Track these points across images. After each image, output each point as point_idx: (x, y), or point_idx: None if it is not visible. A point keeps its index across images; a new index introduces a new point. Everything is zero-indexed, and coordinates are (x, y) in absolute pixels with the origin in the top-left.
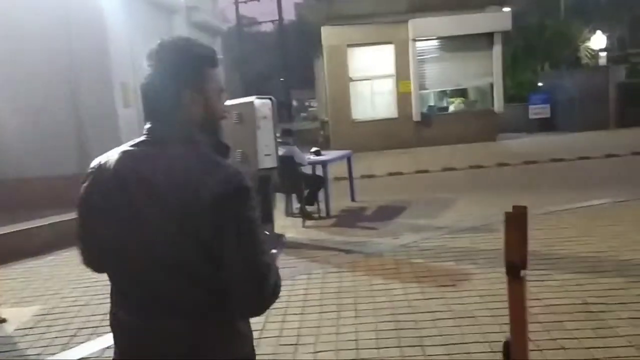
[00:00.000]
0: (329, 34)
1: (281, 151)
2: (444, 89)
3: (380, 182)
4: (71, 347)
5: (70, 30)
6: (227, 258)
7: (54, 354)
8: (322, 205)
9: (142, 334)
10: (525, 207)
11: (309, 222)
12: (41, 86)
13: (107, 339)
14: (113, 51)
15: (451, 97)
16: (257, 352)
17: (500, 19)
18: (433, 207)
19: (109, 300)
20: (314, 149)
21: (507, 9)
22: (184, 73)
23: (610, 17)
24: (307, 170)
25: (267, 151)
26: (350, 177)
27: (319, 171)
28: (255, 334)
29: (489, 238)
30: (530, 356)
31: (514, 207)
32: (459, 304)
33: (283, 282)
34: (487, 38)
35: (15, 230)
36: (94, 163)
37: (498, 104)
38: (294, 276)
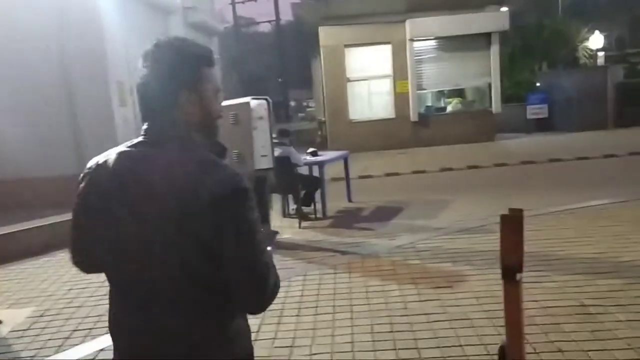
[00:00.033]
0: (326, 34)
1: (277, 152)
2: (441, 89)
3: (378, 183)
4: (65, 349)
5: (66, 30)
6: (227, 258)
7: (48, 356)
8: (319, 206)
9: (142, 334)
10: (521, 210)
11: (305, 223)
12: (37, 86)
13: (102, 341)
14: (109, 51)
15: (449, 97)
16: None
17: (497, 18)
18: (430, 208)
19: (103, 302)
20: (310, 150)
21: (504, 9)
22: (180, 73)
23: (608, 17)
24: (304, 170)
25: (264, 152)
26: (347, 178)
27: (316, 172)
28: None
29: (486, 239)
30: (526, 359)
31: (510, 209)
32: (455, 305)
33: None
34: (484, 38)
35: (10, 231)
36: (91, 163)
37: (496, 104)
38: (290, 277)
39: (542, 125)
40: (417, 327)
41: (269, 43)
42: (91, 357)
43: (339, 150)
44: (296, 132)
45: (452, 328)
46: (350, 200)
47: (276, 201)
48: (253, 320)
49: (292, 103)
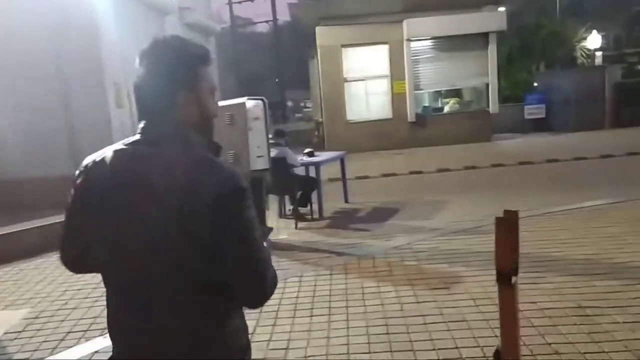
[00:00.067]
0: (323, 34)
1: (273, 152)
2: (438, 90)
3: (374, 183)
4: (60, 351)
5: (63, 31)
6: (226, 257)
7: (42, 358)
8: (315, 207)
9: (142, 334)
10: (516, 212)
11: (301, 224)
12: (33, 87)
13: (97, 343)
14: (106, 52)
15: (446, 97)
16: None
17: (495, 18)
18: (427, 209)
19: (99, 303)
20: (307, 150)
21: (502, 9)
22: (178, 73)
23: (606, 17)
24: (300, 171)
25: (259, 152)
26: (344, 179)
27: (312, 172)
28: None
29: (482, 240)
30: None
31: (504, 212)
32: (451, 307)
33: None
34: (482, 38)
35: (5, 232)
36: (86, 161)
37: (493, 105)
38: (286, 278)
39: (539, 126)
40: (413, 329)
41: (266, 43)
42: (86, 359)
43: (337, 151)
44: (293, 132)
45: (449, 330)
46: (346, 201)
47: (272, 202)
48: (248, 322)
49: (290, 103)
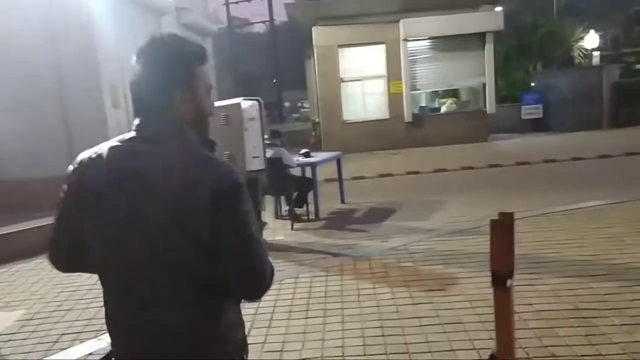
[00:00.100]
0: (320, 35)
1: (269, 153)
2: (435, 90)
3: (371, 184)
4: (54, 353)
5: (59, 32)
6: (225, 253)
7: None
8: (311, 208)
9: (142, 333)
10: (511, 214)
11: (297, 225)
12: (30, 89)
13: (91, 345)
14: (102, 53)
15: (443, 97)
16: None
17: (492, 18)
18: (423, 209)
19: (93, 305)
20: (303, 151)
21: (499, 9)
22: (174, 72)
23: (603, 17)
24: (297, 172)
25: (255, 153)
26: (340, 179)
27: (309, 173)
28: None
29: (479, 241)
30: None
31: (499, 213)
32: (447, 309)
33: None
34: (479, 38)
35: (1, 233)
36: (81, 157)
37: (490, 105)
38: (281, 280)
39: (536, 126)
40: (408, 331)
41: (263, 44)
42: None
43: (333, 151)
44: (290, 133)
45: (444, 332)
46: (343, 202)
47: (268, 203)
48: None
49: (287, 104)
